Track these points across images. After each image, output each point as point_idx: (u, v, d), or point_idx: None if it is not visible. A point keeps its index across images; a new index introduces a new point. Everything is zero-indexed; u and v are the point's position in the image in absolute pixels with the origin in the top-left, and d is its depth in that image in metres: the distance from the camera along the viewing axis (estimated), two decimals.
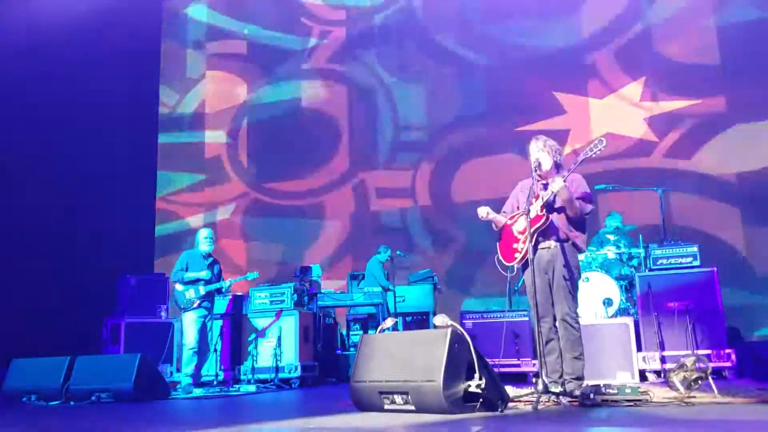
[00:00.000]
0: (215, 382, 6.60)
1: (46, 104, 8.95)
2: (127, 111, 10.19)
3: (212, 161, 11.19)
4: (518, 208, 4.21)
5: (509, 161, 8.71)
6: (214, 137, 11.29)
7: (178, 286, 6.39)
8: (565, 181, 3.90)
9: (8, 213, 8.27)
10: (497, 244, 4.28)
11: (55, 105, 9.04)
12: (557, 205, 4.04)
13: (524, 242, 4.00)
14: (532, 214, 3.96)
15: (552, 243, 4.03)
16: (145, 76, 11.21)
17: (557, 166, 4.15)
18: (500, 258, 4.21)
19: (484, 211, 4.18)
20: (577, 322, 3.98)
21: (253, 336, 7.03)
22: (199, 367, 6.31)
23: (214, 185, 11.09)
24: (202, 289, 6.35)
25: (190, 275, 6.38)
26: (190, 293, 6.33)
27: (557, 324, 4.01)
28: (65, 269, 8.47)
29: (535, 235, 3.98)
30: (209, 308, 6.48)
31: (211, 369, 6.71)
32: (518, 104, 9.43)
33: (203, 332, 6.37)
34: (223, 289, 6.59)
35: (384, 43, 10.48)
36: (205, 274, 6.39)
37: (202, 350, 6.34)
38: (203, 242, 6.59)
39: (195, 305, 6.32)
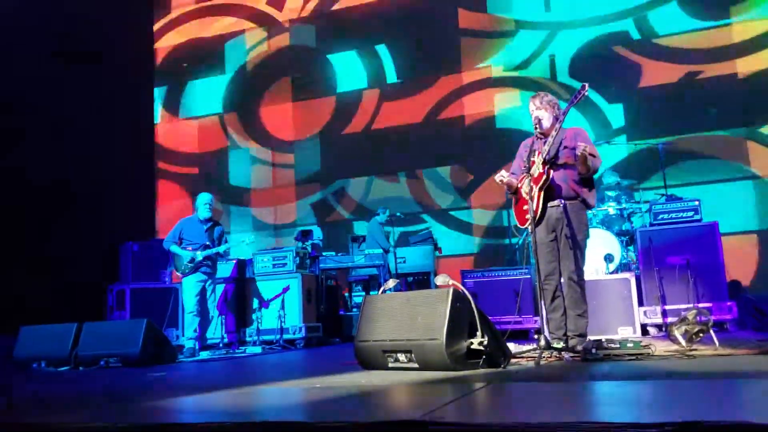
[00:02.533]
0: (221, 345, 6.69)
1: (48, 68, 8.82)
2: (126, 77, 10.04)
3: (209, 130, 11.10)
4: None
5: None
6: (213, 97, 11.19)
7: (177, 252, 6.40)
8: (549, 157, 3.87)
9: (12, 183, 8.23)
10: (513, 209, 4.25)
11: (57, 72, 8.92)
12: (560, 161, 3.99)
13: (534, 200, 3.96)
14: (535, 173, 3.92)
15: (560, 201, 4.00)
16: (141, 39, 11.07)
17: (557, 121, 4.09)
18: (517, 224, 4.20)
19: (499, 177, 4.11)
20: (582, 280, 3.98)
21: (256, 302, 7.10)
22: (202, 330, 6.37)
23: (213, 149, 11.02)
24: (200, 254, 6.34)
25: (179, 248, 6.37)
26: (187, 259, 6.33)
27: (562, 282, 4.02)
28: (69, 237, 8.48)
29: (541, 193, 3.95)
30: (209, 273, 6.47)
31: (217, 332, 6.79)
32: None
33: (203, 296, 6.39)
34: (221, 252, 6.53)
35: None
36: (198, 253, 6.33)
37: (202, 314, 6.38)
38: (203, 208, 6.55)
39: (194, 270, 6.33)
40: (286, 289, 6.97)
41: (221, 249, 6.48)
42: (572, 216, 3.96)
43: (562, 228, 3.97)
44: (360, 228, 9.48)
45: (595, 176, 6.94)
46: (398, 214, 8.47)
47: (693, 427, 1.53)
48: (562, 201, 3.98)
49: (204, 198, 6.62)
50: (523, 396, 2.59)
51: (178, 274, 6.47)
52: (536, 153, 4.00)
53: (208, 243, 6.44)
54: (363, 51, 10.26)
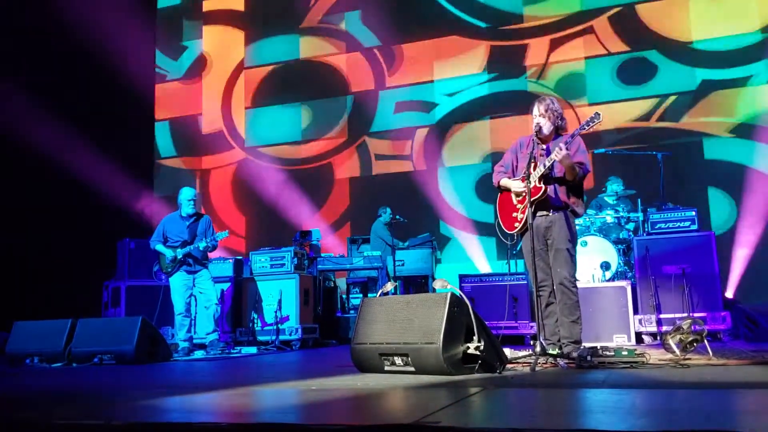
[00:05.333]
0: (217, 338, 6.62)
1: (46, 70, 8.83)
2: (125, 73, 10.04)
3: (209, 125, 11.12)
4: (516, 166, 4.20)
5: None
6: (211, 97, 11.19)
7: (161, 251, 6.32)
8: (568, 147, 3.86)
9: (9, 178, 8.22)
10: (497, 209, 4.27)
11: (55, 72, 8.92)
12: (556, 174, 4.02)
13: (523, 212, 4.00)
14: (532, 184, 3.93)
15: (550, 211, 4.04)
16: (142, 39, 11.12)
17: (557, 130, 4.12)
18: (501, 225, 4.22)
19: (517, 188, 4.09)
20: (575, 287, 4.02)
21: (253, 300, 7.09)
22: (191, 329, 6.35)
23: (212, 148, 11.03)
24: (179, 252, 6.23)
25: (163, 247, 6.29)
26: (169, 258, 6.25)
27: (555, 289, 4.04)
28: (66, 233, 8.46)
29: (534, 204, 3.98)
30: (193, 270, 6.31)
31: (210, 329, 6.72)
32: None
33: (191, 295, 6.33)
34: (200, 248, 6.27)
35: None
36: (178, 250, 6.22)
37: (190, 312, 6.34)
38: (186, 204, 6.38)
39: (177, 268, 6.25)
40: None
41: (201, 245, 6.25)
42: (562, 224, 4.01)
43: (552, 236, 4.02)
44: None
45: (614, 189, 7.00)
46: (398, 217, 8.49)
47: None
48: (552, 210, 4.04)
49: (187, 194, 6.41)
50: (518, 402, 2.60)
51: (163, 273, 6.41)
52: (534, 162, 3.99)
53: (187, 239, 6.28)
54: None
